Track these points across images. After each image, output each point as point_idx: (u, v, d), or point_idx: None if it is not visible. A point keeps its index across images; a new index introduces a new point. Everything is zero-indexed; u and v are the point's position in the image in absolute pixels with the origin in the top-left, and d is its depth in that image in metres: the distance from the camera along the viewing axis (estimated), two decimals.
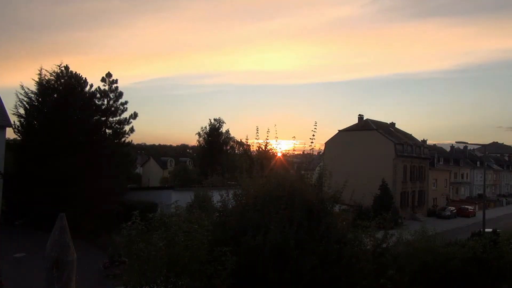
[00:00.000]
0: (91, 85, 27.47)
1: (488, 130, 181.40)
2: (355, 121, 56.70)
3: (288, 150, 11.43)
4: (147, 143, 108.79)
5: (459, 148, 78.82)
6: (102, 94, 28.02)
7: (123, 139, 28.51)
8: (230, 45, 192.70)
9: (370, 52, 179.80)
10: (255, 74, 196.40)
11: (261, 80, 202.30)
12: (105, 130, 27.61)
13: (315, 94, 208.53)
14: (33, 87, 25.12)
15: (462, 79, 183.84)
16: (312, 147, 10.34)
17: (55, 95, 25.35)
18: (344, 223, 9.22)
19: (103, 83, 28.56)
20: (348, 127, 56.02)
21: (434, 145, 76.09)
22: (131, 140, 30.92)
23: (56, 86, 25.51)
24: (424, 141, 61.93)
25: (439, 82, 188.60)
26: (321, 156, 55.51)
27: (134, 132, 28.94)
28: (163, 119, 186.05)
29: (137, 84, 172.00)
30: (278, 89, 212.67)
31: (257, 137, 10.90)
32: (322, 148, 55.31)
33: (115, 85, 28.58)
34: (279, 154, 11.32)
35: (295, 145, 11.05)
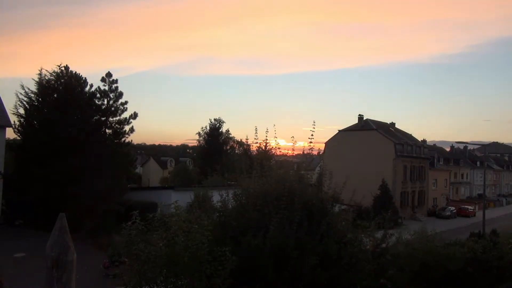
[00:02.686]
0: (91, 85, 27.46)
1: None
2: (354, 119, 56.86)
3: (288, 150, 11.42)
4: (147, 143, 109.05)
5: (459, 148, 78.79)
6: (102, 94, 27.96)
7: (123, 139, 28.47)
8: (215, 23, 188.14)
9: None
10: (244, 63, 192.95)
11: (251, 70, 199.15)
12: (105, 130, 27.57)
13: (314, 83, 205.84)
14: (33, 87, 25.16)
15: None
16: (311, 146, 10.35)
17: (55, 95, 25.35)
18: (344, 223, 9.22)
19: (103, 83, 28.54)
20: (348, 127, 56.00)
21: (434, 145, 76.08)
22: (131, 140, 30.87)
23: (56, 86, 25.50)
24: (424, 141, 61.93)
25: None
26: (321, 156, 55.52)
27: (134, 132, 28.95)
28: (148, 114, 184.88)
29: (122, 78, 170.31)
30: (270, 80, 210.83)
31: (256, 137, 10.91)
32: (322, 148, 55.31)
33: (115, 85, 28.57)
34: (279, 154, 11.31)
35: (295, 144, 11.03)
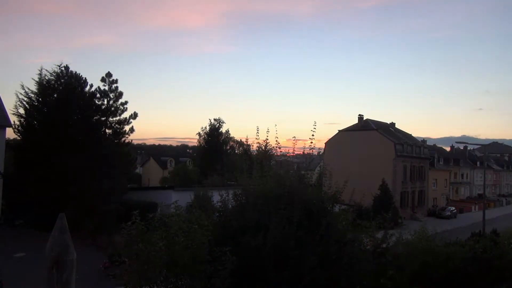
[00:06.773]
0: (91, 85, 27.49)
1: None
2: (355, 119, 56.84)
3: (289, 151, 11.40)
4: (147, 143, 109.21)
5: (459, 148, 78.79)
6: (102, 94, 28.01)
7: (123, 139, 28.51)
8: None
9: None
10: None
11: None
12: (105, 130, 27.59)
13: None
14: (33, 87, 25.15)
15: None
16: (313, 145, 10.34)
17: (55, 95, 25.35)
18: (344, 223, 9.22)
19: (103, 83, 28.60)
20: (348, 127, 56.02)
21: (434, 145, 76.16)
22: (131, 140, 30.94)
23: (56, 86, 25.50)
24: (424, 141, 61.96)
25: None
26: (321, 156, 55.51)
27: (134, 132, 29.03)
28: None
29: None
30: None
31: (258, 137, 10.90)
32: (322, 147, 55.32)
33: (115, 85, 28.63)
34: (279, 154, 11.29)
35: (295, 143, 11.01)
